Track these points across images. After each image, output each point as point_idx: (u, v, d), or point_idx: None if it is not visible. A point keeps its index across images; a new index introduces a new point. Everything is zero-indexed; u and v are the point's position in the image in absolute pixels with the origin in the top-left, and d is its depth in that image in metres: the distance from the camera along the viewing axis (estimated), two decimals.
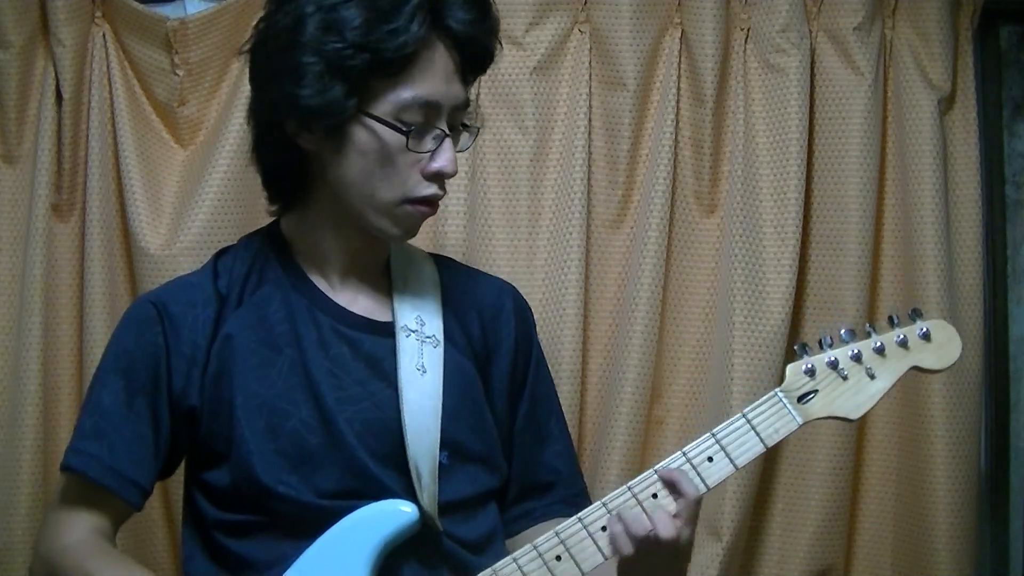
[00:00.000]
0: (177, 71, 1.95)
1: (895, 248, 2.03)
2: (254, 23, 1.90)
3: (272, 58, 1.37)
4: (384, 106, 1.35)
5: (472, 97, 1.45)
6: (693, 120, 2.01)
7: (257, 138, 1.45)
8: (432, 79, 1.36)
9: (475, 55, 1.43)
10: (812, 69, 1.99)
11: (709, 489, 1.37)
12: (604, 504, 1.34)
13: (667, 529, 1.30)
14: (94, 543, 1.36)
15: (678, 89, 1.99)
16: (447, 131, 1.39)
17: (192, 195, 1.92)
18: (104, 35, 1.93)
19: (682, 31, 2.00)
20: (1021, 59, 2.16)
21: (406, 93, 1.35)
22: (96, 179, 1.92)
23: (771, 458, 2.00)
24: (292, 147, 1.40)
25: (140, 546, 1.93)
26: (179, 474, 1.49)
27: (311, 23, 1.33)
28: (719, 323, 1.99)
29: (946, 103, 2.01)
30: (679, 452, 1.37)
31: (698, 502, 1.34)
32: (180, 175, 1.97)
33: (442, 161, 1.38)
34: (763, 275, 1.96)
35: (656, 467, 1.35)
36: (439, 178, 1.40)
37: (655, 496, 1.34)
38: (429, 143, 1.38)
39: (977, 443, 2.02)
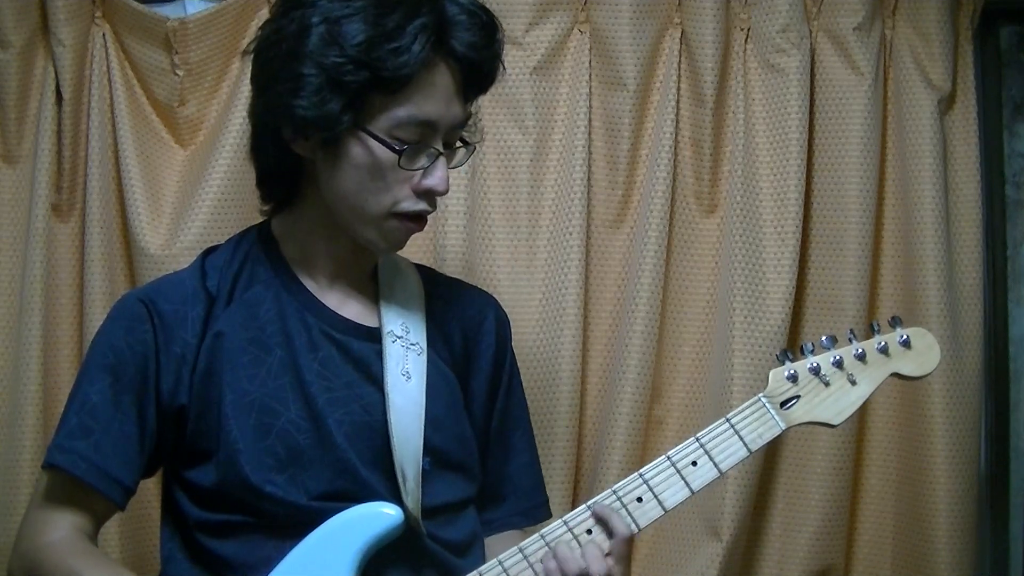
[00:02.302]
0: (177, 71, 1.95)
1: (895, 248, 2.03)
2: (259, 24, 1.93)
3: (273, 64, 1.37)
4: (380, 123, 1.35)
5: (473, 110, 1.45)
6: (693, 120, 2.01)
7: (254, 138, 1.45)
8: (431, 99, 1.36)
9: (478, 76, 1.43)
10: (812, 69, 1.99)
11: (694, 492, 1.38)
12: (542, 536, 1.36)
13: (599, 567, 1.32)
14: (76, 541, 1.36)
15: (678, 89, 1.99)
16: (441, 150, 1.39)
17: (192, 195, 1.92)
18: (104, 35, 1.93)
19: (682, 31, 2.00)
20: (1021, 59, 2.16)
21: (403, 111, 1.35)
22: (96, 179, 1.92)
23: (771, 458, 2.00)
24: (287, 151, 1.40)
25: (139, 546, 1.93)
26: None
27: (315, 34, 1.33)
28: (719, 323, 1.99)
29: (946, 103, 2.01)
30: (663, 456, 1.38)
31: (629, 541, 1.35)
32: (180, 175, 1.97)
33: (433, 180, 1.38)
34: (763, 275, 1.96)
35: (590, 502, 1.37)
36: (429, 195, 1.40)
37: (589, 532, 1.36)
38: (422, 160, 1.38)
39: (977, 443, 2.02)
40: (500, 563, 1.36)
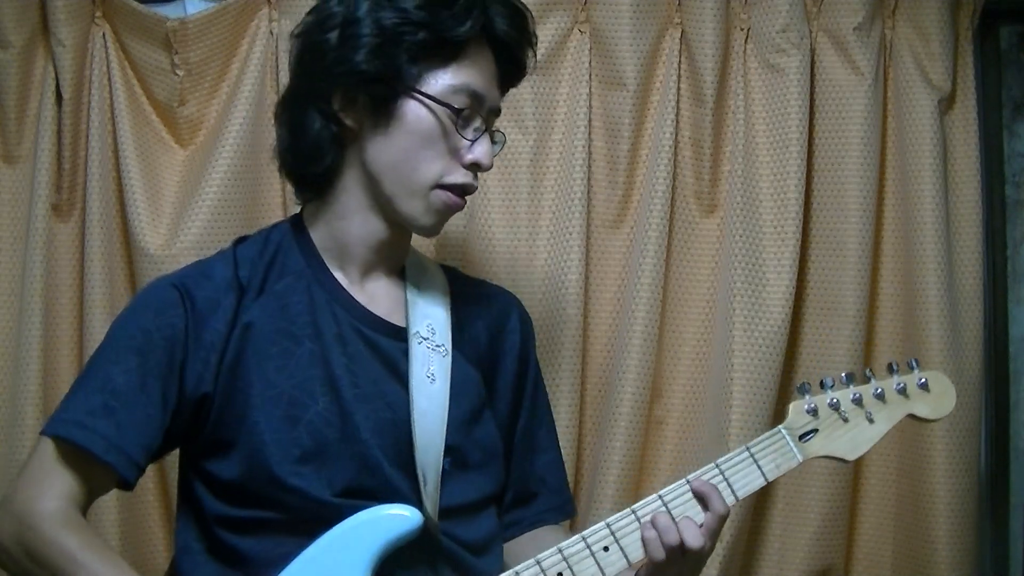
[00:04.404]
0: (177, 71, 1.95)
1: (895, 248, 2.03)
2: (259, 24, 1.94)
3: (328, 35, 1.40)
4: (434, 87, 1.39)
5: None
6: (693, 120, 2.01)
7: (293, 123, 1.45)
8: (480, 74, 1.42)
9: (512, 66, 1.49)
10: (812, 69, 1.99)
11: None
12: (634, 511, 1.37)
13: (696, 539, 1.35)
14: (71, 515, 1.34)
15: (678, 89, 1.99)
16: (486, 127, 1.43)
17: (192, 195, 1.92)
18: (104, 35, 1.93)
19: (682, 31, 2.00)
20: (1021, 59, 2.16)
21: (456, 79, 1.40)
22: (96, 179, 1.92)
23: None
24: (335, 123, 1.41)
25: (139, 545, 1.93)
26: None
27: (366, 4, 1.38)
28: (719, 323, 1.99)
29: (946, 103, 2.02)
30: (683, 480, 1.39)
31: (724, 518, 1.38)
32: (180, 175, 1.97)
33: (480, 152, 1.42)
34: (763, 275, 1.96)
35: (689, 477, 1.39)
36: (475, 168, 1.43)
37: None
38: (471, 132, 1.42)
39: (977, 443, 2.02)
40: (517, 573, 1.35)
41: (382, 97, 1.39)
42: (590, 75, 1.99)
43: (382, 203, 1.43)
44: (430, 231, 1.46)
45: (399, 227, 1.46)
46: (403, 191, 1.41)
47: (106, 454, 1.33)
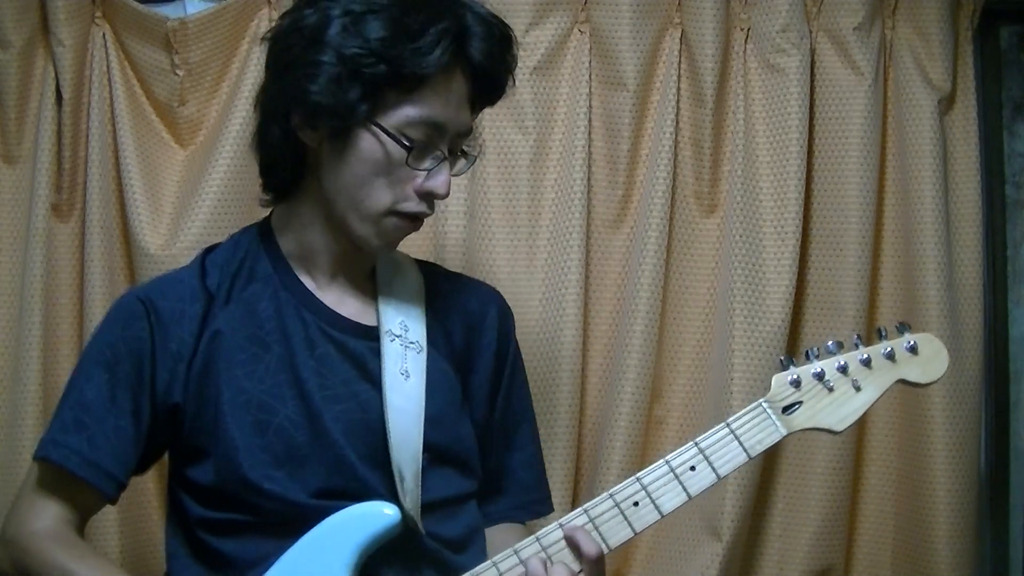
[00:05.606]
0: (177, 71, 1.95)
1: (895, 248, 2.03)
2: (259, 24, 1.94)
3: (292, 51, 1.38)
4: (391, 119, 1.36)
5: (476, 122, 1.47)
6: (693, 120, 2.01)
7: (261, 125, 1.45)
8: (443, 102, 1.38)
9: (489, 87, 1.46)
10: (812, 69, 1.99)
11: (691, 498, 1.37)
12: (516, 551, 1.34)
13: None
14: (62, 532, 1.37)
15: (678, 89, 1.99)
16: (447, 154, 1.40)
17: (192, 195, 1.92)
18: (104, 35, 1.93)
19: (682, 31, 2.00)
20: (1021, 59, 2.17)
21: (415, 111, 1.36)
22: (96, 179, 1.92)
23: (771, 458, 2.00)
24: (293, 139, 1.41)
25: (139, 544, 1.93)
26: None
27: (336, 25, 1.34)
28: (719, 323, 1.99)
29: (946, 103, 2.01)
30: (662, 460, 1.37)
31: (600, 560, 1.34)
32: (180, 175, 1.97)
33: (436, 182, 1.39)
34: (763, 275, 1.96)
35: (560, 520, 1.35)
36: (430, 198, 1.41)
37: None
38: (427, 162, 1.39)
39: (977, 443, 2.02)
40: (495, 565, 1.35)
41: (338, 127, 1.36)
42: (590, 75, 1.99)
43: (338, 219, 1.42)
44: (382, 251, 1.46)
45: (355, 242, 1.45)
46: (354, 215, 1.40)
47: (79, 469, 1.36)
